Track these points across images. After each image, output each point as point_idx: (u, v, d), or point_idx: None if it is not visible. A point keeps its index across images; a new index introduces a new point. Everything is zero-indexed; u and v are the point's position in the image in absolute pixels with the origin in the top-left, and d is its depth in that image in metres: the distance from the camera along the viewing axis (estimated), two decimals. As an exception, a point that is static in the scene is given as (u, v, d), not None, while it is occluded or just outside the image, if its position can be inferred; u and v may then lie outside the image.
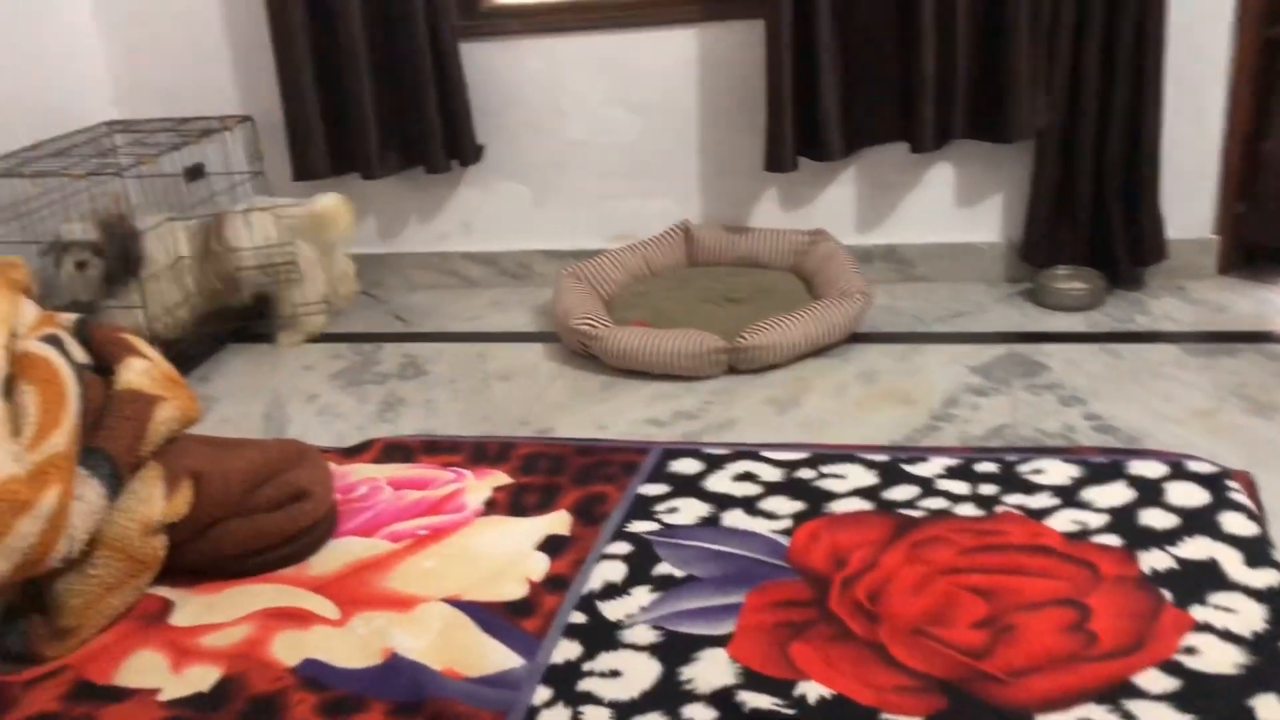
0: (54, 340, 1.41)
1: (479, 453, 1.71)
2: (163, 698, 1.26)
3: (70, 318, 1.58)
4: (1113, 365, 2.58)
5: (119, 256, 2.79)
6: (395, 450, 1.74)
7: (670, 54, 3.10)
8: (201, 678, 1.28)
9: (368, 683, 1.26)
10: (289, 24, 3.04)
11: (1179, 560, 1.31)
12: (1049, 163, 2.88)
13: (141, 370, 1.47)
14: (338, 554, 1.48)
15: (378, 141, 3.13)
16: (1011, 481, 1.51)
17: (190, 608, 1.39)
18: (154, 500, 1.36)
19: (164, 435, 1.43)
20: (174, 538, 1.40)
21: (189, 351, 3.02)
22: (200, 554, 1.42)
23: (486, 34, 3.16)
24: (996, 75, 2.81)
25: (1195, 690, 1.12)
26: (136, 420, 1.40)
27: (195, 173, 3.07)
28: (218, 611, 1.38)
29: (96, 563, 1.32)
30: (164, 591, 1.42)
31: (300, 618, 1.36)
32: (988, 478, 1.52)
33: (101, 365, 1.51)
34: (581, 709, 1.19)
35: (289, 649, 1.31)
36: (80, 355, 1.50)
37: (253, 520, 1.44)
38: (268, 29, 3.09)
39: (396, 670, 1.27)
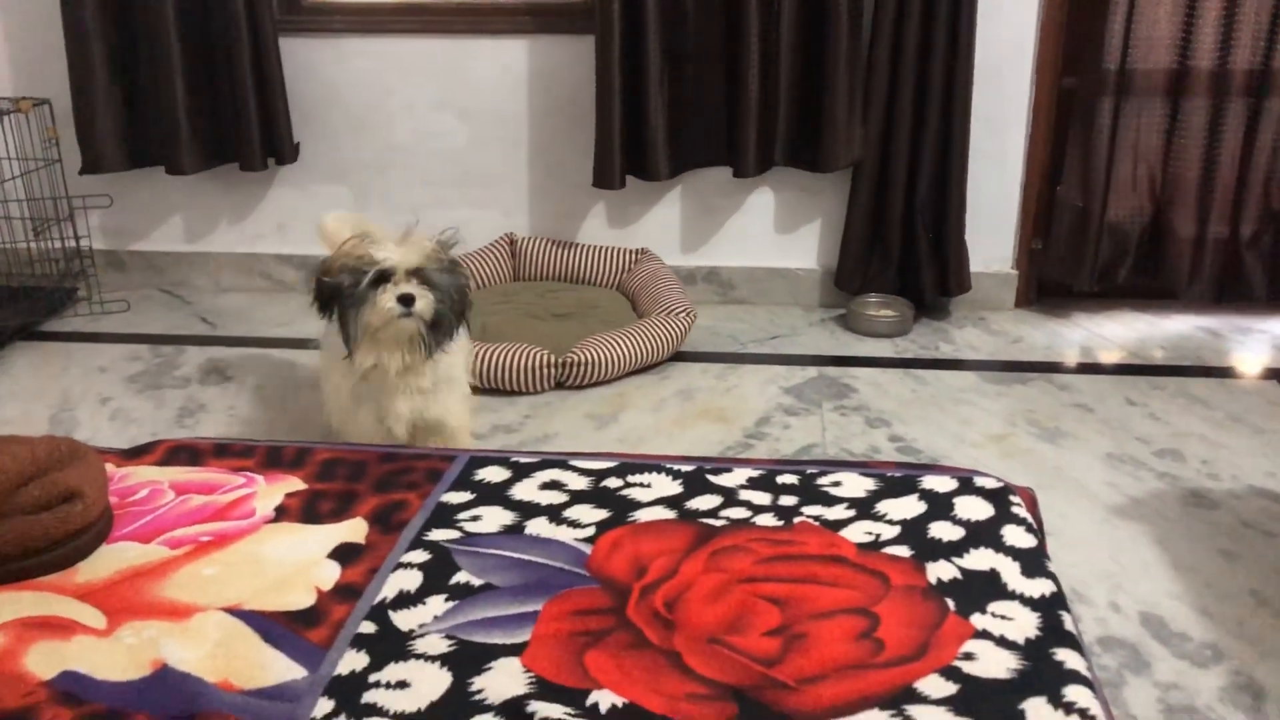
0: None
1: (273, 457, 1.63)
2: (-107, 716, 1.14)
3: None
4: (917, 390, 2.68)
5: (455, 299, 2.05)
6: (181, 452, 1.64)
7: (501, 63, 3.07)
8: (-60, 693, 1.16)
9: (132, 696, 1.17)
10: (81, 2, 2.86)
11: (963, 571, 1.36)
12: (863, 194, 2.99)
13: (-109, 356, 1.35)
14: (109, 560, 1.38)
15: (188, 135, 2.99)
16: (811, 493, 1.53)
17: (-66, 617, 1.27)
18: (-104, 498, 1.24)
19: (-87, 428, 1.31)
20: (-80, 540, 1.28)
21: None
22: (-49, 558, 1.30)
23: (308, 30, 3.07)
24: (815, 107, 2.90)
25: (972, 694, 1.15)
26: (-120, 410, 1.28)
27: (-19, 156, 2.86)
28: (-34, 621, 1.26)
29: None
30: (-96, 599, 1.29)
31: (61, 627, 1.26)
32: (788, 489, 1.54)
33: None
34: (365, 721, 1.14)
35: (45, 661, 1.20)
36: None
37: (16, 522, 1.33)
38: (59, 6, 2.91)
39: (165, 682, 1.18)
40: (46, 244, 3.12)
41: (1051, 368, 2.81)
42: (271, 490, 1.54)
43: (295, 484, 1.56)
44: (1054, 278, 3.11)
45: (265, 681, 1.20)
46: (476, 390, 2.66)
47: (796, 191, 3.12)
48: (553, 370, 2.66)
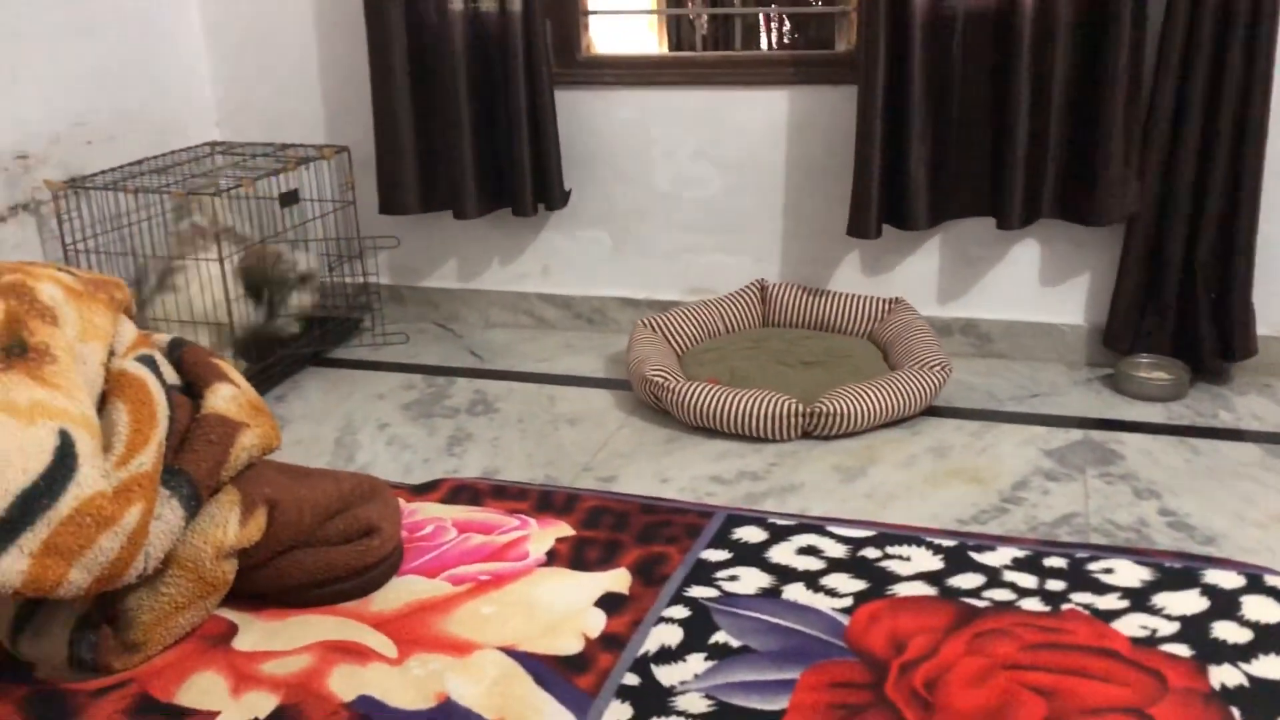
0: (148, 361, 1.46)
1: (544, 502, 1.72)
2: (221, 720, 1.28)
3: (164, 338, 1.63)
4: (1191, 460, 2.53)
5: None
6: (463, 492, 1.75)
7: (761, 114, 3.13)
8: (260, 704, 1.29)
9: (420, 725, 1.26)
10: (388, 61, 3.13)
11: (1250, 678, 1.28)
12: (1138, 249, 2.85)
13: (229, 396, 1.51)
14: (400, 592, 1.49)
15: (473, 182, 3.20)
16: (1080, 579, 1.48)
17: (253, 633, 1.41)
18: (229, 525, 1.39)
19: (244, 461, 1.47)
20: (244, 563, 1.43)
21: (270, 370, 3.10)
22: (268, 581, 1.45)
23: (582, 83, 3.22)
24: (1088, 157, 2.79)
25: (1261, 817, 1.09)
26: (220, 445, 1.44)
27: (290, 198, 3.16)
28: (279, 639, 1.40)
29: (169, 581, 1.35)
30: (229, 615, 1.44)
31: (359, 653, 1.38)
32: (1056, 573, 1.49)
33: (191, 387, 1.55)
34: (629, 773, 1.19)
35: (346, 683, 1.32)
36: (171, 376, 1.55)
37: (321, 552, 1.46)
38: (368, 64, 3.18)
39: (449, 715, 1.27)
40: (339, 279, 3.41)
41: (1348, 444, 2.58)
42: (544, 534, 1.63)
43: (565, 529, 1.64)
44: (1354, 344, 2.85)
45: (538, 724, 1.27)
46: (722, 435, 2.70)
47: (1064, 244, 3.01)
48: (800, 419, 2.67)
